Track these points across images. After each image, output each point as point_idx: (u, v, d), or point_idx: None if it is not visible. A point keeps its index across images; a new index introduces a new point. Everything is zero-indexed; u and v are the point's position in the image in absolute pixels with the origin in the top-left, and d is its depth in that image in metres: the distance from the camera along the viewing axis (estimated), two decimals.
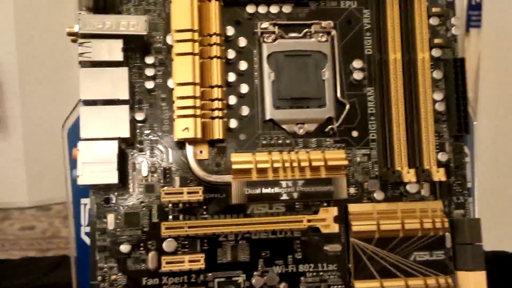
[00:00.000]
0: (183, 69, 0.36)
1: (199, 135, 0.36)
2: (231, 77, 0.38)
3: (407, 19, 0.39)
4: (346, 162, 0.37)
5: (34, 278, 0.52)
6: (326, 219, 0.38)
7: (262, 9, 0.39)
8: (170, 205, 0.37)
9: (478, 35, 0.90)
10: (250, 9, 0.39)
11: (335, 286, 0.38)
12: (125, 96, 0.35)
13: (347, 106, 0.39)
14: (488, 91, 0.95)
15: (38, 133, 1.20)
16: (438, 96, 0.39)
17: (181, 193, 0.37)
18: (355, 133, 0.39)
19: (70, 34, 0.36)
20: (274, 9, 0.39)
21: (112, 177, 0.35)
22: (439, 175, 0.38)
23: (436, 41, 0.39)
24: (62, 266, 0.54)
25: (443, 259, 0.38)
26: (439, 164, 0.39)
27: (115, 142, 0.35)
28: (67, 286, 0.40)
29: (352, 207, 0.38)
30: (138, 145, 0.37)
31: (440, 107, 0.39)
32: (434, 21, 0.40)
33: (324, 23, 0.39)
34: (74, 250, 0.39)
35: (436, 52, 0.39)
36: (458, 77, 0.39)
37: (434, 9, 0.39)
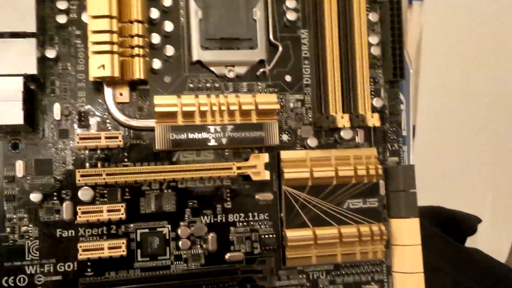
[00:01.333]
0: (98, 0, 0.33)
1: (116, 74, 0.33)
2: (154, 13, 0.35)
3: None
4: (277, 107, 0.35)
5: None
6: (257, 166, 0.36)
7: None
8: (86, 151, 0.34)
9: (420, 8, 0.91)
10: None
11: (267, 236, 0.36)
12: (32, 28, 0.32)
13: (280, 49, 0.37)
14: (429, 61, 0.97)
15: None
16: (374, 40, 0.38)
17: (99, 138, 0.34)
18: (288, 78, 0.37)
19: None
20: None
21: (17, 117, 0.31)
22: (373, 120, 0.37)
23: None
24: None
25: (377, 207, 0.37)
26: (374, 110, 0.38)
27: (20, 79, 0.31)
28: None
29: (285, 154, 0.36)
30: (50, 86, 0.34)
31: (375, 51, 0.38)
32: None
33: None
34: None
35: None
36: (394, 20, 0.37)
37: None
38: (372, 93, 0.38)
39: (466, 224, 0.52)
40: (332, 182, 0.37)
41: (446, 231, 0.51)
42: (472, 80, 1.01)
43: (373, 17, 0.38)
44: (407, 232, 0.37)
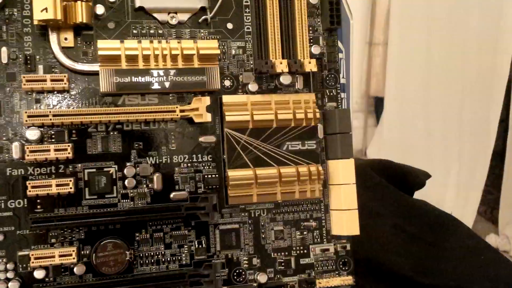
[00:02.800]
0: None
1: (59, 16, 0.34)
2: None
3: None
4: (218, 52, 0.37)
5: None
6: (199, 109, 0.38)
7: None
8: (33, 94, 0.36)
9: None
10: None
11: (210, 176, 0.38)
12: None
13: None
14: (397, 34, 0.99)
15: None
16: None
17: (44, 80, 0.35)
18: (230, 25, 0.39)
19: None
20: None
21: None
22: (310, 66, 0.39)
23: None
24: None
25: (315, 149, 0.40)
26: (313, 56, 0.40)
27: None
28: None
29: (226, 98, 0.38)
30: None
31: (313, 0, 0.40)
32: None
33: None
34: None
35: None
36: None
37: None
38: (311, 40, 0.40)
39: (414, 177, 0.54)
40: (272, 125, 0.39)
41: (394, 183, 0.53)
42: (438, 51, 1.04)
43: None
44: (342, 172, 0.39)
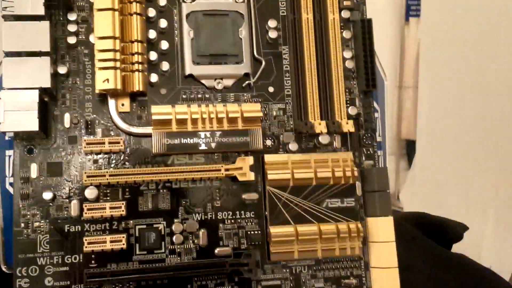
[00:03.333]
0: (104, 23, 0.38)
1: (119, 86, 0.37)
2: (152, 34, 0.40)
3: None
4: (261, 114, 0.40)
5: None
6: (243, 168, 0.40)
7: None
8: (92, 155, 0.39)
9: (417, 24, 0.94)
10: None
11: (252, 232, 0.40)
12: (47, 48, 0.37)
13: (263, 63, 0.41)
14: (427, 78, 1.00)
15: None
16: (348, 54, 0.42)
17: (103, 143, 0.38)
18: (271, 89, 0.42)
19: None
20: None
21: (33, 124, 0.36)
22: (348, 126, 0.41)
23: (345, 3, 0.42)
24: None
25: (354, 206, 0.41)
26: (349, 117, 0.42)
27: (36, 92, 0.36)
28: None
29: (268, 157, 0.40)
30: (61, 98, 0.39)
31: (349, 64, 0.42)
32: None
33: None
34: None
35: (345, 14, 0.42)
36: (365, 37, 0.42)
37: None
38: (348, 102, 0.42)
39: (451, 230, 0.54)
40: (311, 183, 0.40)
41: (431, 236, 0.53)
42: (470, 94, 1.04)
43: (347, 34, 0.42)
44: (382, 230, 0.40)
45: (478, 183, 1.05)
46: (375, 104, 0.42)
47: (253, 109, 0.40)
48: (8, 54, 0.37)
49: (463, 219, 0.63)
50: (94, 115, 0.39)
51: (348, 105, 0.42)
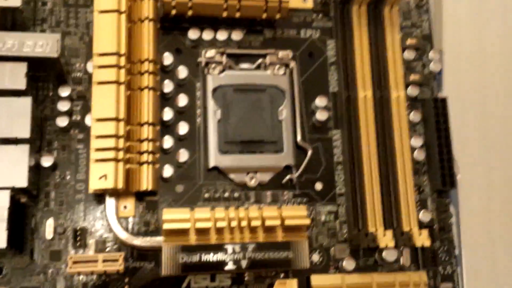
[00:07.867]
0: (104, 101, 0.29)
1: (120, 185, 0.28)
2: (168, 114, 0.31)
3: (378, 51, 0.34)
4: (308, 222, 0.30)
5: None
6: None
7: (207, 35, 0.33)
8: (80, 277, 0.29)
9: None
10: (193, 34, 0.33)
11: None
12: (26, 133, 0.28)
13: (309, 152, 0.33)
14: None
15: None
16: (417, 142, 0.34)
17: (95, 261, 0.29)
18: (318, 186, 0.33)
19: None
20: (222, 35, 0.33)
21: (0, 241, 0.27)
22: (422, 238, 0.31)
23: (412, 77, 0.34)
24: None
25: None
26: (421, 225, 0.32)
27: (7, 193, 0.27)
28: None
29: (316, 279, 0.31)
30: (43, 198, 0.30)
31: (419, 155, 0.33)
32: (409, 54, 0.35)
33: (281, 53, 0.34)
34: None
35: (413, 90, 0.34)
36: (439, 120, 0.33)
37: (409, 41, 0.35)
38: (418, 204, 0.33)
39: None
40: None
41: None
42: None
43: (415, 116, 0.34)
44: None
45: None
46: (451, 208, 0.33)
47: (297, 214, 0.30)
48: None
49: None
50: (86, 222, 0.30)
51: (419, 208, 0.33)
